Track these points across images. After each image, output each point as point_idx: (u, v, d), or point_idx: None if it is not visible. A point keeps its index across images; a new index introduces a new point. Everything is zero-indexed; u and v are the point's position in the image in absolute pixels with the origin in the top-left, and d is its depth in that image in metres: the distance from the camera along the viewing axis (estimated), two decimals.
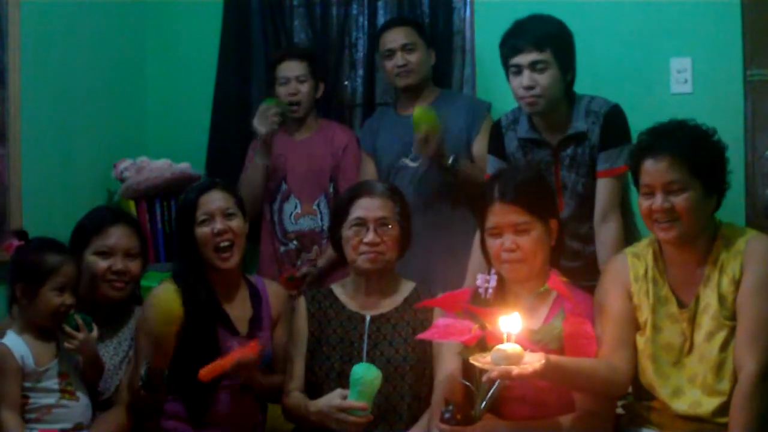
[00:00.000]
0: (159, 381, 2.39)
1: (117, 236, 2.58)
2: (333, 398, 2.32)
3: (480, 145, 3.08)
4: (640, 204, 2.22)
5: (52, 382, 2.29)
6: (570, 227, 2.67)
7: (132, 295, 2.65)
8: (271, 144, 3.27)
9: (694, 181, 2.15)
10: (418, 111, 2.93)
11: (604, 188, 2.67)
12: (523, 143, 2.77)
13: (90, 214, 2.66)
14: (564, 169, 2.73)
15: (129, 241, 2.60)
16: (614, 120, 2.68)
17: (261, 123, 3.24)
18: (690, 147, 2.16)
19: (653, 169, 2.17)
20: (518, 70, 2.64)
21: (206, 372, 2.33)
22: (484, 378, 1.98)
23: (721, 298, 2.17)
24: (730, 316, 2.16)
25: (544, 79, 2.62)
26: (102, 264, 2.53)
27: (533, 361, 1.93)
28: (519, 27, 2.68)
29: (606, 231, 2.65)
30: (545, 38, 2.63)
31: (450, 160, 2.98)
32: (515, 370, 1.90)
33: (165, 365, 2.38)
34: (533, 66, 2.62)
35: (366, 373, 2.27)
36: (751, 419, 2.05)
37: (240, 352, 2.39)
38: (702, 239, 2.21)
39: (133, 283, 2.61)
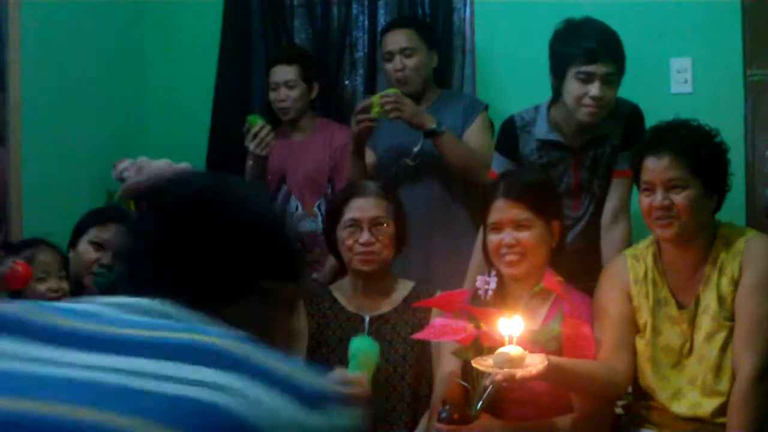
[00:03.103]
0: None
1: (116, 233, 2.60)
2: (332, 375, 2.30)
3: (469, 135, 3.08)
4: (641, 201, 2.22)
5: None
6: (583, 227, 2.67)
7: None
8: (265, 163, 3.21)
9: (695, 179, 2.15)
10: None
11: (618, 188, 2.66)
12: (540, 144, 2.72)
13: (101, 208, 2.69)
14: (584, 171, 2.70)
15: None
16: (636, 121, 2.66)
17: (254, 145, 3.11)
18: (691, 146, 2.16)
19: (654, 166, 2.17)
20: (589, 78, 2.54)
21: None
22: (488, 381, 1.99)
23: (720, 299, 2.16)
24: (729, 316, 2.15)
25: (612, 92, 2.57)
26: (93, 255, 2.56)
27: (535, 363, 1.93)
28: (591, 32, 2.59)
29: (615, 231, 2.65)
30: (618, 50, 2.59)
31: (434, 125, 2.95)
32: (519, 372, 1.90)
33: None
34: (606, 77, 2.54)
35: (361, 345, 2.27)
36: (748, 421, 2.05)
37: None
38: (701, 240, 2.21)
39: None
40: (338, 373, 2.29)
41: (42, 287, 2.35)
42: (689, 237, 2.19)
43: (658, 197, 2.16)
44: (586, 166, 2.69)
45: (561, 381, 2.08)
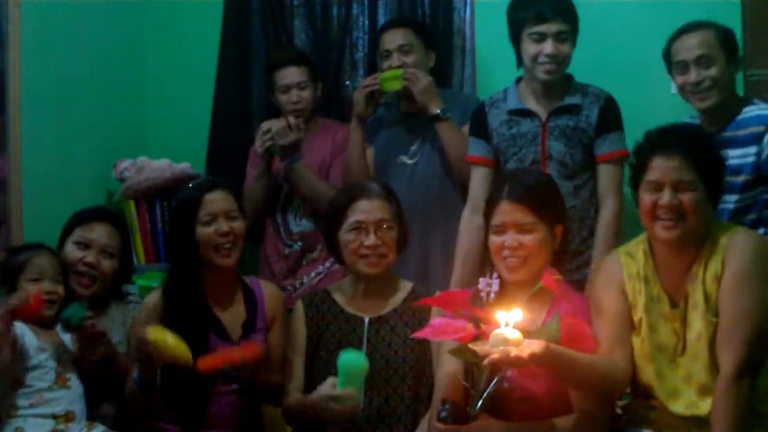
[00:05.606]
0: (152, 382, 2.37)
1: (98, 232, 2.63)
2: (323, 387, 2.30)
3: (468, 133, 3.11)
4: (643, 199, 2.22)
5: (49, 365, 2.33)
6: None
7: (110, 291, 2.67)
8: (270, 164, 3.25)
9: (701, 183, 2.16)
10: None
11: (604, 171, 2.78)
12: (510, 116, 2.84)
13: (82, 209, 2.70)
14: (552, 139, 2.79)
15: (109, 239, 2.64)
16: (613, 105, 2.84)
17: (259, 144, 3.21)
18: (700, 150, 2.19)
19: (664, 165, 2.17)
20: (542, 38, 2.75)
21: (204, 365, 2.32)
22: (485, 362, 1.95)
23: (706, 296, 2.16)
24: (715, 313, 2.15)
25: (566, 48, 2.78)
26: (77, 254, 2.58)
27: (532, 346, 1.92)
28: None
29: (604, 211, 2.75)
30: (568, 10, 2.79)
31: (438, 110, 3.03)
32: (513, 351, 1.89)
33: (157, 366, 2.36)
34: (558, 36, 2.75)
35: (349, 360, 2.27)
36: (729, 421, 2.05)
37: (241, 353, 2.38)
38: (694, 241, 2.21)
39: (102, 282, 2.62)
40: (330, 383, 2.28)
41: (35, 289, 2.35)
42: (689, 240, 2.19)
43: (666, 196, 2.16)
44: (554, 134, 2.80)
45: (558, 367, 2.05)
